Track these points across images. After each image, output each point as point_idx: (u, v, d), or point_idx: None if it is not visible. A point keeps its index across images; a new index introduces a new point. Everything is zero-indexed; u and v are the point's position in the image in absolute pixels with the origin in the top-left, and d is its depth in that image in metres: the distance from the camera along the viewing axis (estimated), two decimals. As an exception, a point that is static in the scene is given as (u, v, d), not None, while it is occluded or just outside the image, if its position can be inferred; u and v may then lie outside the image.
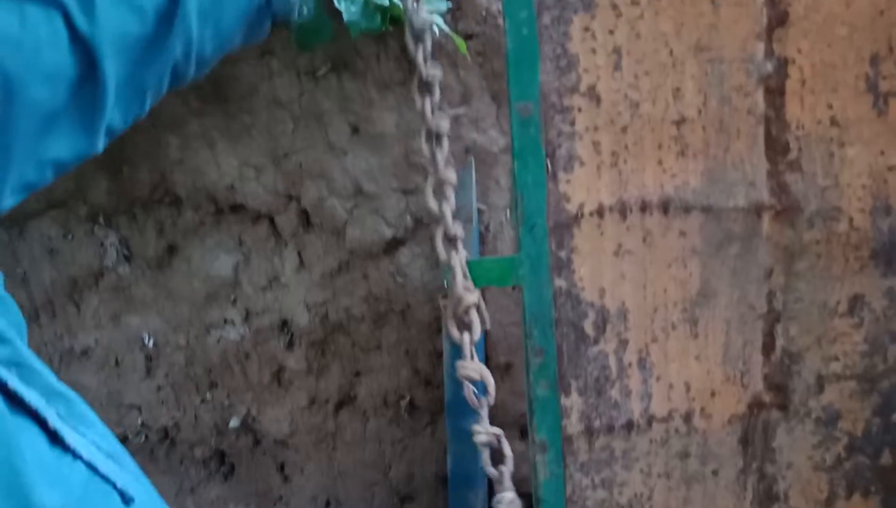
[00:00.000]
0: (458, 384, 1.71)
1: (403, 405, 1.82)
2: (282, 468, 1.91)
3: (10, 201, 0.56)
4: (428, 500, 1.89)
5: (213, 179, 1.67)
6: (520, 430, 1.79)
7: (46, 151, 0.60)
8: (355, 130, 1.63)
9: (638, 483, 1.00)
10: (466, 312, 0.83)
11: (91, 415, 0.55)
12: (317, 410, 1.81)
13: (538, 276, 0.90)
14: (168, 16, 0.64)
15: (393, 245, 1.65)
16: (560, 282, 0.91)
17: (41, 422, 0.46)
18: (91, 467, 0.48)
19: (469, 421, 1.71)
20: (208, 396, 1.84)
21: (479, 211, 1.63)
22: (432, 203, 0.80)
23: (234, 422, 1.83)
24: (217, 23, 0.69)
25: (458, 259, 0.82)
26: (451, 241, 0.82)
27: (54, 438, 0.46)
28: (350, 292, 1.70)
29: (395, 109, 1.58)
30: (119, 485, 0.50)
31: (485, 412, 0.86)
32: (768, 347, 1.00)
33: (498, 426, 1.81)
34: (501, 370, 1.77)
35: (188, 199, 1.71)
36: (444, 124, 0.78)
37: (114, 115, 0.64)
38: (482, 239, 1.65)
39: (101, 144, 0.65)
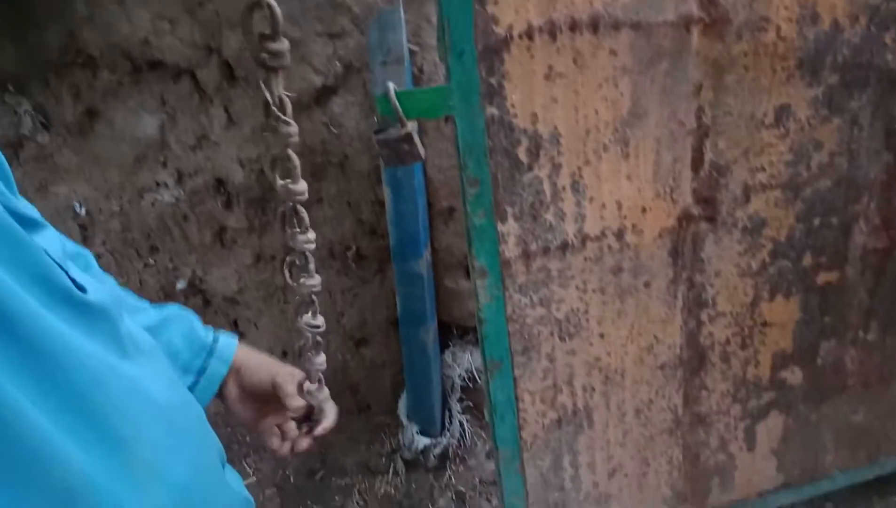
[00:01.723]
0: (402, 231, 1.73)
1: (350, 255, 1.84)
2: (235, 324, 1.94)
3: None
4: (380, 342, 1.96)
5: (126, 35, 1.57)
6: (465, 270, 1.84)
7: None
8: (271, -31, 1.52)
9: (574, 299, 1.04)
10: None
11: (55, 237, 0.57)
12: (263, 266, 1.82)
13: (469, 104, 0.88)
14: None
15: (324, 94, 1.60)
16: (492, 110, 0.90)
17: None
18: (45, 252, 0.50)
19: (415, 264, 1.75)
20: (150, 260, 1.82)
21: (412, 52, 1.58)
22: None
23: (180, 284, 1.83)
24: None
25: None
26: None
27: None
28: (284, 144, 1.66)
29: (312, -57, 1.48)
30: (70, 273, 0.52)
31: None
32: (697, 162, 1.02)
33: (443, 268, 1.86)
34: (444, 215, 1.79)
35: (102, 58, 1.61)
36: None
37: None
38: (415, 81, 1.60)
39: None
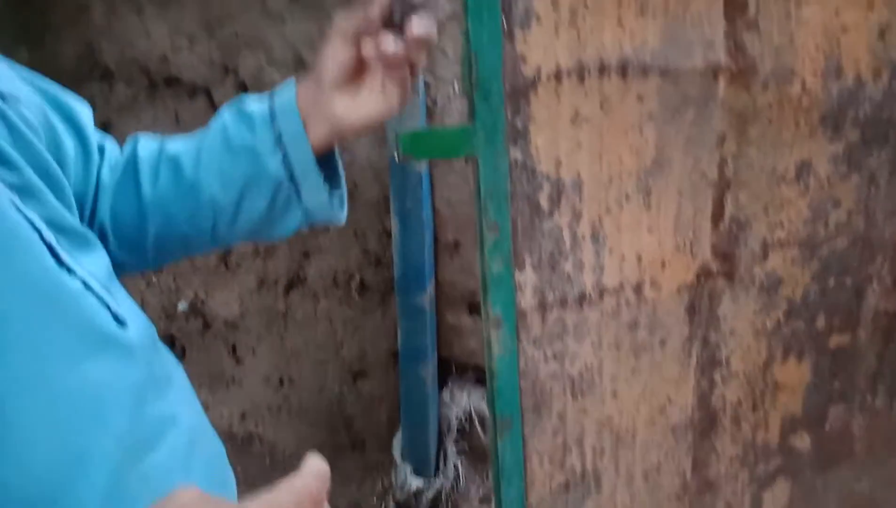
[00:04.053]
0: (407, 263, 1.71)
1: (354, 284, 1.82)
2: (233, 349, 1.91)
3: None
4: (380, 376, 1.93)
5: (144, 50, 1.57)
6: (468, 306, 1.82)
7: None
8: (294, -6, 1.53)
9: (588, 354, 1.01)
10: None
11: (101, 256, 0.56)
12: (266, 291, 1.80)
13: (493, 147, 0.87)
14: None
15: (338, 122, 1.59)
16: (516, 153, 0.89)
17: (42, 237, 0.48)
18: (85, 284, 0.50)
19: (418, 298, 1.73)
20: (154, 280, 1.80)
21: (426, 84, 1.57)
22: None
23: (182, 305, 1.80)
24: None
25: None
26: None
27: (53, 253, 0.48)
28: (295, 171, 1.65)
29: (335, -28, 1.49)
30: (112, 307, 0.51)
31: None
32: (717, 215, 1.00)
33: (446, 302, 1.84)
34: (450, 249, 1.78)
35: (119, 72, 1.60)
36: None
37: None
38: (429, 113, 1.60)
39: None
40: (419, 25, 0.67)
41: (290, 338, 1.87)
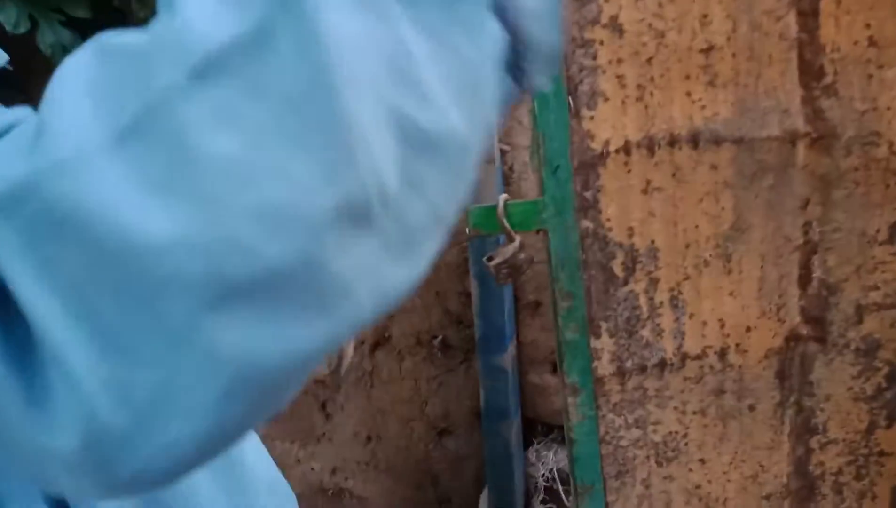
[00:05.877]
0: (488, 323, 1.71)
1: (436, 343, 1.84)
2: (323, 406, 1.96)
3: None
4: (464, 433, 1.93)
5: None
6: (551, 365, 1.81)
7: None
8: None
9: (672, 421, 0.99)
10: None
11: None
12: (354, 351, 1.84)
13: (563, 219, 0.88)
14: None
15: (419, 187, 1.64)
16: (587, 223, 0.89)
17: None
18: None
19: (499, 358, 1.73)
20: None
21: (502, 152, 1.60)
22: None
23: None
24: None
25: None
26: None
27: None
28: (378, 236, 1.71)
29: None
30: None
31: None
32: (805, 279, 0.97)
33: (529, 362, 1.83)
34: (531, 309, 1.78)
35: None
36: None
37: None
38: (506, 180, 1.62)
39: None
40: None
41: (377, 396, 1.91)
